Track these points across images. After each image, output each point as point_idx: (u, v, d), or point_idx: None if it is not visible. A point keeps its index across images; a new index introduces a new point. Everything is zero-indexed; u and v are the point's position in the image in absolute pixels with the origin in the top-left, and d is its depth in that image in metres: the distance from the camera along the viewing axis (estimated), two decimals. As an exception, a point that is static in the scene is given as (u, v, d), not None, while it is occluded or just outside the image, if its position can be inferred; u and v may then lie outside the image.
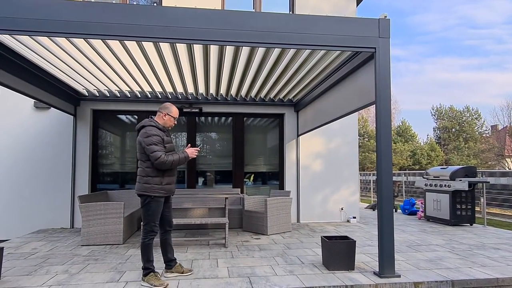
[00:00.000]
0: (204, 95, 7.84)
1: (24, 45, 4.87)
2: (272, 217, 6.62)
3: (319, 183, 8.29)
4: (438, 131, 43.91)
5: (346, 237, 4.54)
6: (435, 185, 8.10)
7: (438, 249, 5.51)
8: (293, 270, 4.32)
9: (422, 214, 8.72)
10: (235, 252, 5.27)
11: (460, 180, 7.51)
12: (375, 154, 4.47)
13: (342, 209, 8.26)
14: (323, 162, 8.38)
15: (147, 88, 7.28)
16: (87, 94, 7.57)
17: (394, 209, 10.76)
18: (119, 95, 7.64)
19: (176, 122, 4.09)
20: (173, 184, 3.94)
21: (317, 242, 5.94)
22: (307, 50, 5.02)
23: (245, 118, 8.49)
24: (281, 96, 7.92)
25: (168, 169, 3.82)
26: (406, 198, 10.14)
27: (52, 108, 7.45)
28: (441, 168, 8.45)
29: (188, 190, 7.79)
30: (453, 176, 7.69)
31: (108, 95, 7.63)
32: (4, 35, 4.28)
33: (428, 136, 44.35)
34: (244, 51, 5.42)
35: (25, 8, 3.73)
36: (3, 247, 4.04)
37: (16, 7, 3.72)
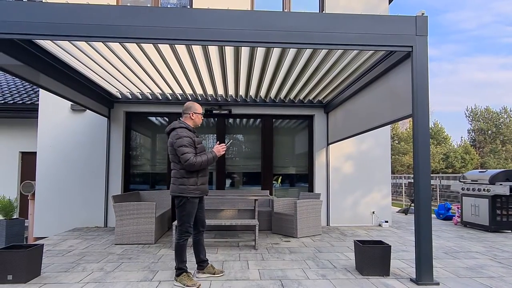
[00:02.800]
0: (234, 96, 7.87)
1: (64, 50, 5.06)
2: (302, 219, 6.54)
3: (349, 186, 8.13)
4: (473, 133, 42.21)
5: (380, 242, 4.41)
6: (473, 189, 7.76)
7: (478, 256, 5.25)
8: (325, 274, 4.23)
9: (459, 220, 8.37)
10: (265, 254, 5.23)
11: (501, 185, 7.15)
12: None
13: (373, 212, 8.06)
14: (354, 164, 8.21)
15: (177, 91, 7.40)
16: (120, 97, 7.77)
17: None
18: (150, 97, 7.80)
19: (203, 117, 4.09)
20: (207, 185, 3.96)
21: (349, 246, 5.81)
22: (339, 50, 4.93)
23: (274, 120, 8.46)
24: (310, 97, 7.83)
25: (202, 170, 3.84)
26: (440, 203, 9.76)
27: (87, 110, 7.71)
28: (479, 172, 8.08)
29: (217, 191, 7.84)
30: (493, 180, 7.33)
31: (140, 98, 7.81)
32: (45, 40, 4.46)
33: (462, 138, 42.70)
34: (275, 52, 5.40)
35: (65, 14, 3.85)
36: (43, 244, 4.19)
37: (57, 13, 3.85)
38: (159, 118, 8.38)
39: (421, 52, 4.10)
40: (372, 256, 4.15)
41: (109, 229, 7.28)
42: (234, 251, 5.40)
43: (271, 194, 8.08)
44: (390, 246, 4.21)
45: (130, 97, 7.79)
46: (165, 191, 7.67)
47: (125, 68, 5.93)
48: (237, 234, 6.72)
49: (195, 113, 3.97)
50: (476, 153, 37.51)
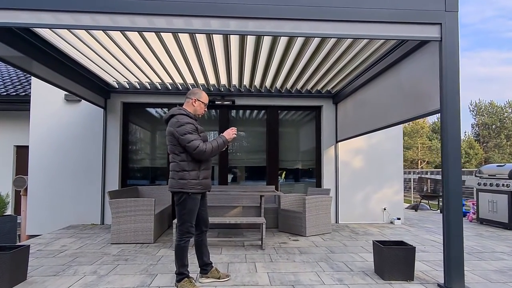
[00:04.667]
0: (237, 87, 7.43)
1: (58, 35, 4.67)
2: (311, 217, 6.12)
3: (359, 181, 7.70)
4: (477, 128, 41.71)
5: (402, 243, 3.99)
6: (491, 185, 7.33)
7: (506, 257, 4.84)
8: (342, 279, 3.81)
9: (474, 216, 7.95)
10: (274, 255, 4.82)
11: (521, 179, 6.73)
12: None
13: (385, 209, 7.64)
14: (363, 158, 7.78)
15: (178, 80, 6.96)
16: (117, 87, 7.34)
17: (439, 210, 10.08)
18: (149, 87, 7.37)
19: (206, 110, 3.68)
20: (209, 179, 3.53)
21: (362, 246, 5.40)
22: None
23: (279, 111, 8.02)
24: (319, 87, 7.38)
25: (204, 162, 3.42)
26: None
27: (82, 101, 7.29)
28: (497, 166, 7.64)
29: (220, 187, 7.42)
30: (513, 175, 6.90)
31: (138, 87, 7.38)
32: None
33: (466, 133, 42.18)
34: (283, 38, 4.97)
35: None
36: (29, 245, 3.78)
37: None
38: (158, 109, 7.94)
39: (451, 31, 3.64)
40: (395, 258, 3.73)
41: (105, 227, 6.87)
42: (239, 252, 4.99)
43: (276, 189, 7.66)
44: (414, 248, 3.79)
45: (128, 87, 7.35)
46: (165, 187, 7.25)
47: (123, 56, 5.49)
48: (242, 233, 6.31)
49: (198, 100, 3.53)
50: (480, 148, 37.08)
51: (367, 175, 7.71)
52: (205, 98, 3.58)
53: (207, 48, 5.29)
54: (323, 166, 7.78)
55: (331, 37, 4.33)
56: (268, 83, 7.19)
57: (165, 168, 7.73)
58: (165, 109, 7.85)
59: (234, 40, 5.05)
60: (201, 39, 4.94)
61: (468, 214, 8.53)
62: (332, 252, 4.97)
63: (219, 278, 3.67)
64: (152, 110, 7.95)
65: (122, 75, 6.51)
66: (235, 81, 7.08)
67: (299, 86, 7.31)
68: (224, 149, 3.48)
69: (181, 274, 3.37)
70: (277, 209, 6.80)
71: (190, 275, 3.47)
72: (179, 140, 3.28)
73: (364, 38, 4.40)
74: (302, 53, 5.41)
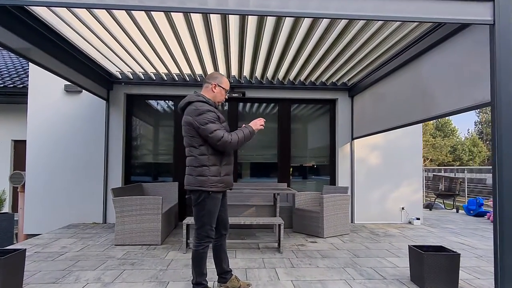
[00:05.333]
0: (248, 78, 6.99)
1: (58, 17, 4.25)
2: (328, 217, 5.71)
3: (376, 179, 7.29)
4: (480, 126, 41.32)
5: (442, 248, 3.58)
6: (516, 183, 6.90)
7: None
8: (376, 289, 3.41)
9: (496, 217, 7.53)
10: (293, 259, 4.41)
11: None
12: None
13: (403, 208, 7.23)
14: (380, 155, 7.36)
15: (186, 70, 6.52)
16: (120, 77, 6.90)
17: (456, 210, 9.70)
18: (154, 78, 6.93)
19: (227, 97, 3.24)
20: (231, 175, 3.11)
21: (387, 249, 4.99)
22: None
23: (292, 105, 7.58)
24: (334, 79, 6.94)
25: (226, 156, 2.99)
26: (471, 198, 8.96)
27: (83, 92, 6.86)
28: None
29: (229, 184, 6.98)
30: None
31: (143, 78, 6.93)
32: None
33: (469, 130, 41.77)
34: (305, 23, 4.54)
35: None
36: (25, 250, 3.35)
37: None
38: (164, 101, 7.50)
39: (506, 12, 3.21)
40: (437, 266, 3.32)
41: (108, 226, 6.45)
42: (255, 255, 4.57)
43: (288, 187, 7.24)
44: (459, 254, 3.38)
45: (132, 78, 6.90)
46: (171, 183, 6.83)
47: (128, 41, 5.05)
48: (254, 233, 5.90)
49: (219, 85, 3.10)
50: (484, 146, 36.70)
51: (384, 172, 7.30)
52: (226, 83, 3.15)
53: (221, 34, 4.88)
54: (337, 163, 7.36)
55: (374, 19, 3.75)
56: (281, 74, 6.76)
57: (171, 164, 7.30)
58: (171, 101, 7.41)
59: (251, 25, 4.63)
60: (214, 23, 4.53)
61: (487, 213, 8.14)
62: (357, 256, 4.56)
63: (239, 288, 3.26)
64: (157, 103, 7.51)
65: (126, 63, 6.05)
66: (246, 72, 6.64)
67: (313, 77, 6.88)
68: (249, 140, 3.06)
69: (199, 284, 2.95)
70: (291, 208, 6.38)
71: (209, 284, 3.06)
72: (199, 131, 2.86)
73: (404, 21, 3.89)
74: (322, 41, 5.02)
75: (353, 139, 7.27)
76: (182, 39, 4.89)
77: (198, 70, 6.50)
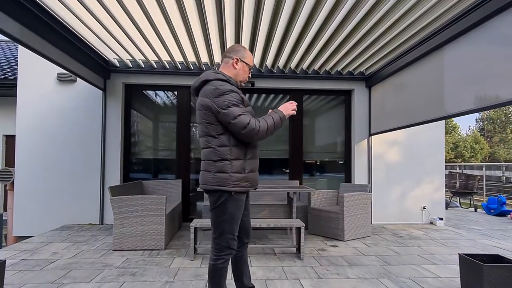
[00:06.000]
0: (258, 66, 6.42)
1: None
2: (349, 218, 5.18)
3: (395, 176, 6.75)
4: (481, 122, 40.92)
5: (499, 257, 3.05)
6: (547, 181, 6.40)
7: None
8: (425, 306, 2.87)
9: (522, 216, 7.05)
10: (317, 267, 3.87)
11: None
12: None
13: (424, 208, 6.71)
14: (399, 150, 6.83)
15: (191, 58, 5.96)
16: (118, 65, 6.31)
17: (474, 208, 9.21)
18: (155, 66, 6.35)
19: (250, 76, 2.67)
20: (257, 172, 2.55)
21: (419, 254, 4.46)
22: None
23: (304, 96, 7.03)
24: (351, 68, 6.40)
25: (251, 148, 2.44)
26: (492, 196, 8.46)
27: (77, 81, 6.27)
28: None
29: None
30: None
31: (143, 66, 6.35)
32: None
33: (470, 127, 41.37)
34: (326, 6, 4.02)
35: None
36: (4, 261, 2.79)
37: None
38: (165, 92, 6.92)
39: None
40: (501, 281, 2.78)
41: (105, 228, 5.89)
42: (273, 262, 4.03)
43: (301, 184, 6.70)
44: (525, 265, 2.84)
45: (131, 66, 6.32)
46: (174, 181, 6.27)
47: (129, 23, 4.49)
48: (266, 236, 5.36)
49: (241, 60, 2.53)
50: (485, 143, 36.30)
51: (403, 169, 6.77)
52: (250, 58, 2.59)
53: (233, 17, 4.35)
54: (354, 158, 6.82)
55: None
56: (294, 63, 6.20)
57: (173, 160, 6.72)
58: (175, 92, 6.83)
59: (267, 7, 4.10)
60: (227, 2, 3.99)
61: (511, 213, 7.64)
62: (388, 264, 4.03)
63: (263, 306, 2.72)
64: (158, 93, 6.93)
65: (125, 49, 5.46)
66: (256, 60, 6.07)
67: (329, 66, 6.32)
68: (280, 128, 2.49)
69: (218, 305, 2.40)
70: (305, 208, 5.84)
71: (227, 303, 2.50)
72: (219, 116, 2.30)
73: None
74: (343, 25, 4.53)
75: (370, 135, 6.72)
76: (190, 20, 4.35)
77: (204, 57, 5.94)
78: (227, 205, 2.34)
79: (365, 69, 6.54)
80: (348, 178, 6.90)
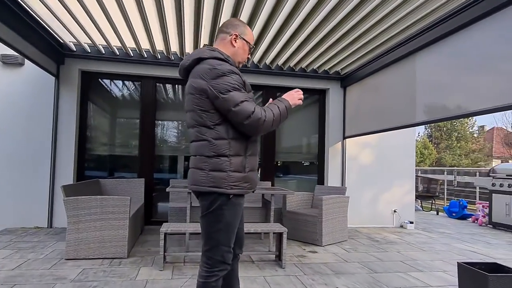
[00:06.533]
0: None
1: None
2: (327, 222, 4.93)
3: (367, 179, 6.64)
4: (429, 129, 43.26)
5: (497, 265, 2.90)
6: (509, 186, 6.60)
7: None
8: (428, 321, 2.64)
9: (484, 220, 7.23)
10: (302, 276, 3.55)
11: (551, 181, 6.03)
12: None
13: (395, 211, 6.66)
14: (372, 153, 6.73)
15: (159, 46, 5.44)
16: (74, 49, 5.62)
17: (436, 212, 9.42)
18: (118, 53, 5.73)
19: (249, 57, 2.27)
20: (257, 171, 2.15)
21: (402, 260, 4.29)
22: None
23: (278, 93, 6.72)
24: (327, 67, 6.19)
25: (252, 142, 2.04)
26: (454, 199, 8.68)
27: (26, 64, 5.50)
28: (516, 165, 6.97)
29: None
30: (539, 176, 6.20)
31: (104, 52, 5.70)
32: None
33: (419, 133, 43.56)
34: (309, 5, 3.83)
35: None
36: None
37: None
38: (129, 82, 6.29)
39: None
40: (506, 292, 2.61)
41: (55, 232, 5.18)
42: (252, 271, 3.65)
43: (273, 185, 6.38)
44: (529, 275, 2.70)
45: (89, 51, 5.65)
46: (136, 180, 5.67)
47: (92, 2, 3.90)
48: (239, 241, 4.96)
49: (241, 37, 2.13)
50: (433, 148, 38.38)
51: (375, 172, 6.67)
52: (250, 36, 2.20)
53: (212, 6, 3.96)
54: (327, 160, 6.62)
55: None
56: (269, 59, 5.90)
57: (135, 158, 6.11)
58: (138, 83, 6.23)
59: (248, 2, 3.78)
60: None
61: (472, 216, 7.85)
62: (374, 272, 3.80)
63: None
64: (120, 84, 6.29)
65: (85, 31, 4.80)
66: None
67: (305, 64, 6.08)
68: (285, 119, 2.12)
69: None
70: (280, 211, 5.51)
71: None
72: (217, 102, 1.89)
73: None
74: (324, 24, 4.44)
75: (345, 138, 6.56)
76: (164, 2, 3.87)
77: (174, 46, 5.43)
78: (223, 211, 1.93)
79: (341, 69, 6.37)
80: (321, 180, 6.69)
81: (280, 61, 6.04)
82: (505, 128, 36.99)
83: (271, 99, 2.21)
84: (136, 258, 4.01)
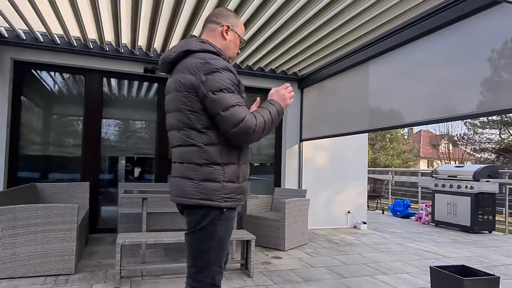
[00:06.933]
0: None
1: None
2: (290, 225, 4.82)
3: (323, 180, 6.67)
4: (365, 131, 45.86)
5: (466, 268, 2.97)
6: (451, 186, 7.04)
7: (526, 272, 4.26)
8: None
9: (427, 218, 7.65)
10: (272, 286, 3.38)
11: (488, 181, 6.52)
12: None
13: (349, 212, 6.77)
14: (327, 154, 6.79)
15: (108, 36, 4.94)
16: (6, 35, 4.90)
17: (382, 211, 9.81)
18: (59, 42, 5.11)
19: (239, 52, 2.04)
20: (247, 181, 1.90)
21: (365, 263, 4.31)
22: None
23: (235, 93, 6.49)
24: (285, 67, 6.12)
25: (245, 148, 1.80)
26: (398, 199, 9.10)
27: None
28: (455, 167, 7.46)
29: (157, 185, 5.58)
30: (477, 177, 6.67)
31: (42, 40, 5.05)
32: None
33: (356, 135, 45.97)
34: (275, 5, 3.79)
35: None
36: None
37: None
38: (71, 75, 5.65)
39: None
40: (481, 295, 2.66)
41: (-19, 245, 4.45)
42: (219, 283, 3.39)
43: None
44: (499, 278, 2.78)
45: (24, 38, 4.96)
46: (79, 184, 5.11)
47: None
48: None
49: (232, 29, 1.87)
50: (370, 150, 40.72)
51: (330, 173, 6.73)
52: (242, 29, 1.94)
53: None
54: (284, 161, 6.54)
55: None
56: (227, 56, 5.65)
57: (78, 159, 5.51)
58: (81, 76, 5.62)
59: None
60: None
61: (415, 215, 8.29)
62: (343, 277, 3.75)
63: None
64: (61, 77, 5.63)
65: (20, 15, 4.17)
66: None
67: (263, 63, 5.93)
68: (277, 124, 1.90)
69: None
70: (240, 215, 5.29)
71: None
72: (207, 102, 1.63)
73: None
74: (288, 25, 4.37)
75: (302, 140, 6.54)
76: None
77: (125, 37, 4.98)
78: (215, 227, 1.67)
79: (299, 70, 6.33)
80: (278, 182, 6.59)
81: (239, 60, 5.83)
82: (430, 131, 40.24)
83: (258, 99, 2.00)
84: (85, 273, 3.55)
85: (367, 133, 7.12)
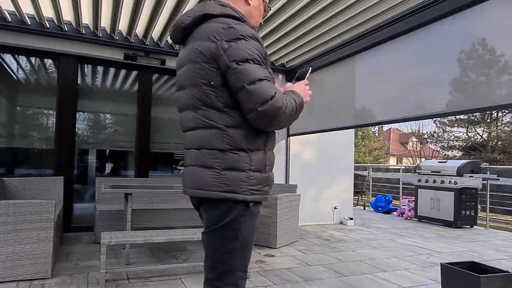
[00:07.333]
0: (170, 42, 5.36)
1: None
2: (282, 222, 4.62)
3: (310, 176, 6.51)
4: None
5: (476, 264, 2.87)
6: (434, 181, 7.07)
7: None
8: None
9: (410, 213, 7.67)
10: (272, 286, 3.15)
11: (471, 177, 6.58)
12: None
13: (335, 208, 6.66)
14: (313, 150, 6.64)
15: (86, 20, 4.58)
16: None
17: (363, 206, 9.80)
18: (29, 23, 4.64)
19: (262, 22, 1.76)
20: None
21: (361, 260, 4.17)
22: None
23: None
24: (273, 58, 5.90)
25: (272, 135, 1.55)
26: (380, 195, 9.11)
27: None
28: (438, 162, 7.50)
29: (142, 181, 5.22)
30: (461, 172, 6.72)
31: (10, 20, 4.57)
32: None
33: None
34: None
35: None
36: None
37: None
38: (41, 60, 5.18)
39: None
40: (497, 292, 2.55)
41: None
42: (214, 285, 3.13)
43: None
44: (513, 273, 2.69)
45: (-10, 16, 4.48)
46: (52, 178, 4.64)
47: None
48: (185, 247, 4.38)
49: None
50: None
51: (317, 169, 6.59)
52: None
53: None
54: (270, 156, 6.32)
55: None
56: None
57: (51, 151, 5.07)
58: (50, 61, 5.16)
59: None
60: None
61: (398, 210, 8.31)
62: (342, 275, 3.58)
63: None
64: (31, 61, 5.15)
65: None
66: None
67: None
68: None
69: None
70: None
71: None
72: (231, 74, 1.35)
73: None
74: (277, 15, 4.25)
75: (289, 135, 6.34)
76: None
77: (106, 20, 4.60)
78: (240, 224, 1.41)
79: (287, 62, 6.12)
80: (264, 177, 6.37)
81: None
82: (399, 129, 41.32)
83: (280, 76, 1.77)
84: (63, 277, 3.19)
85: (353, 129, 7.05)
